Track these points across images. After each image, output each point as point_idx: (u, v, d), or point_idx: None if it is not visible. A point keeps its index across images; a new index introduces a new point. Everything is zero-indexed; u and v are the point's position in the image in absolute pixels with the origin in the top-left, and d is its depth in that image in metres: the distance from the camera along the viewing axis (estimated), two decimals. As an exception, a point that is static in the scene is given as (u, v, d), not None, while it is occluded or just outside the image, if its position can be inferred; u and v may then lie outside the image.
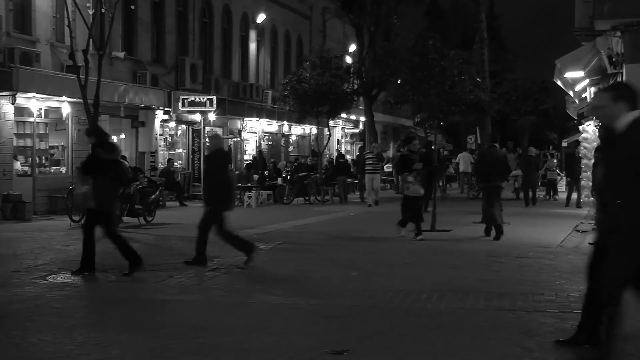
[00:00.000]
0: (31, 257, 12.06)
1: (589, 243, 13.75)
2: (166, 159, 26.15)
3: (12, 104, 19.78)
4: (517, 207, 23.08)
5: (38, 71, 20.27)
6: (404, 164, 15.36)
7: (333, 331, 7.03)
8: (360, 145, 45.18)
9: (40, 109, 21.20)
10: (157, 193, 19.35)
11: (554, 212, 22.17)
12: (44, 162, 22.00)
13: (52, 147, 22.42)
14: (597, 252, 5.93)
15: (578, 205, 23.31)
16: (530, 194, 25.01)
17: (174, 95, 26.62)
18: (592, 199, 17.84)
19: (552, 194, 28.42)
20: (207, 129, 28.85)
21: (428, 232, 15.92)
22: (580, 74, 16.26)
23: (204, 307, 8.17)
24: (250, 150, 33.06)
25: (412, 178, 14.91)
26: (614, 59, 15.09)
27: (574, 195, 24.02)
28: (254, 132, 33.40)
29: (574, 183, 23.95)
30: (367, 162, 24.79)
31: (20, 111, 20.60)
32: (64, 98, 21.03)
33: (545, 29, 50.36)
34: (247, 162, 30.59)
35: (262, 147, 33.77)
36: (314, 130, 33.75)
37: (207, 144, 15.70)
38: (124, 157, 20.98)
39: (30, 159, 21.30)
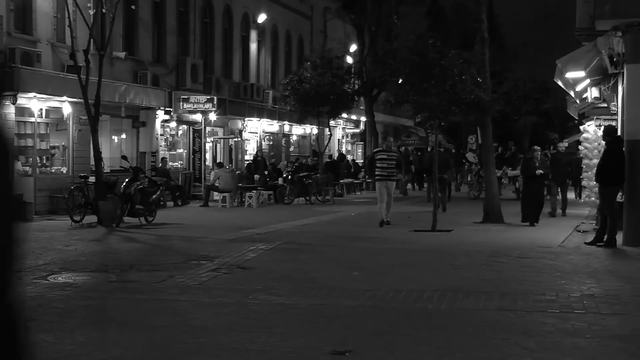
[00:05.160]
0: (32, 257, 12.05)
1: (585, 243, 13.83)
2: (161, 159, 26.09)
3: (13, 104, 19.78)
4: (519, 207, 23.02)
5: (39, 71, 20.28)
6: None
7: (334, 331, 7.03)
8: (361, 143, 45.26)
9: (41, 109, 21.20)
10: (158, 193, 19.35)
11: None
12: (44, 162, 22.01)
13: (53, 147, 22.42)
14: None
15: (564, 212, 21.12)
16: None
17: (175, 96, 26.65)
18: (592, 198, 17.82)
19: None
20: (208, 129, 28.90)
21: (429, 232, 15.96)
22: (581, 74, 16.21)
23: (204, 307, 8.17)
24: (251, 150, 33.09)
25: None
26: (615, 59, 15.08)
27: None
28: (255, 132, 33.42)
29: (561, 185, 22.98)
30: (377, 165, 18.23)
31: (21, 111, 20.60)
32: (64, 98, 21.04)
33: (546, 29, 50.33)
34: (248, 163, 30.63)
35: (263, 147, 33.79)
36: (315, 131, 33.77)
37: None
38: (124, 157, 21.06)
39: (31, 159, 21.31)
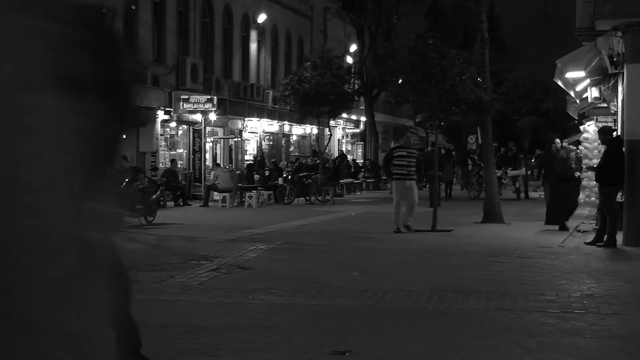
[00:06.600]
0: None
1: (585, 243, 13.83)
2: (167, 159, 26.12)
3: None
4: (519, 207, 23.12)
5: (39, 71, 20.27)
6: None
7: (334, 331, 7.02)
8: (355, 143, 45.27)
9: (41, 109, 21.19)
10: (158, 193, 19.36)
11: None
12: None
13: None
14: None
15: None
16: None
17: (175, 96, 26.66)
18: (592, 198, 17.81)
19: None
20: (208, 129, 28.91)
21: (429, 232, 15.96)
22: (581, 74, 16.24)
23: (205, 307, 8.17)
24: (251, 150, 33.11)
25: None
26: (615, 59, 15.09)
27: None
28: (255, 132, 33.44)
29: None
30: (396, 162, 16.40)
31: (21, 111, 20.60)
32: (64, 98, 21.03)
33: (546, 29, 50.39)
34: (248, 163, 30.66)
35: (263, 147, 33.82)
36: (315, 131, 33.79)
37: None
38: (124, 157, 21.05)
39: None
